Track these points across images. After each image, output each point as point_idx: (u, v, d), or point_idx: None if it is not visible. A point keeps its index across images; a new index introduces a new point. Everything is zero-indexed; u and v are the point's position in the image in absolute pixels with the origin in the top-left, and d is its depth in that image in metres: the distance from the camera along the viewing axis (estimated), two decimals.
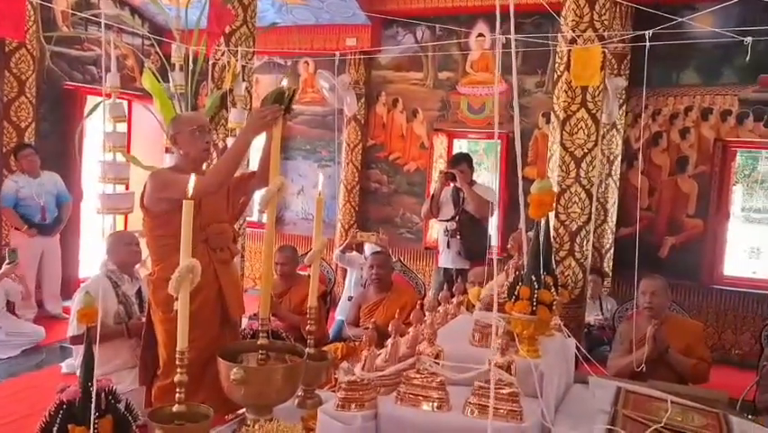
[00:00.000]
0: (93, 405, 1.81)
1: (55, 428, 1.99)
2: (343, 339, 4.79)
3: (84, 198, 7.08)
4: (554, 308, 2.03)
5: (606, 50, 4.39)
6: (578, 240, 4.41)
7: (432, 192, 5.67)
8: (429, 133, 7.50)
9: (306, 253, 2.36)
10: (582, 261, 4.45)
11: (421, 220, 7.32)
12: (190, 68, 4.79)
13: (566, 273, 4.38)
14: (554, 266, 3.00)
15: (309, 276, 2.27)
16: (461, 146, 7.68)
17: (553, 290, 2.03)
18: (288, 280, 4.85)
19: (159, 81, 4.88)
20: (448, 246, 5.34)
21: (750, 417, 2.87)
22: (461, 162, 5.32)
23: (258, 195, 2.93)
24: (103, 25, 3.58)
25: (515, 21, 2.45)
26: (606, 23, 4.36)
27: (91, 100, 7.03)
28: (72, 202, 6.59)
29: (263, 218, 2.71)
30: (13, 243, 5.91)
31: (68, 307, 6.24)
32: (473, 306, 2.57)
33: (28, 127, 6.47)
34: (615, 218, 6.48)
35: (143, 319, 3.56)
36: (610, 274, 6.49)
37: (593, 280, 5.81)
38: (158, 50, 5.85)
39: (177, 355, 1.71)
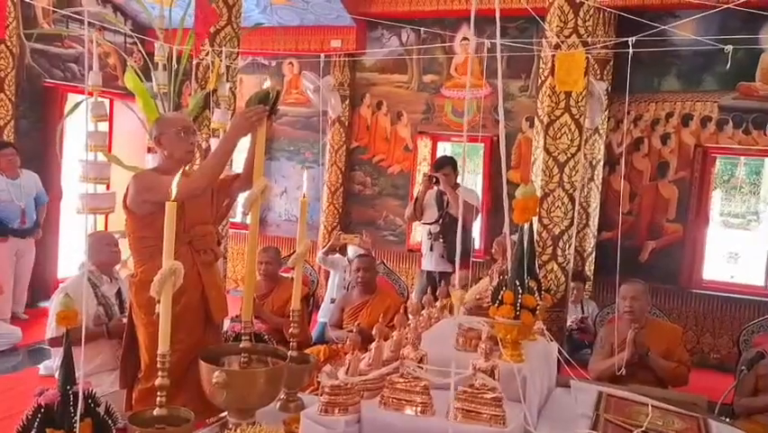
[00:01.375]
0: (79, 408, 1.79)
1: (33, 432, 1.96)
2: (326, 342, 4.78)
3: (63, 198, 6.99)
4: (538, 312, 2.04)
5: (589, 56, 4.44)
6: (560, 244, 4.44)
7: (415, 195, 5.68)
8: (413, 135, 7.52)
9: (290, 255, 2.35)
10: (565, 265, 4.48)
11: (404, 223, 7.33)
12: (173, 67, 4.76)
13: (549, 277, 4.41)
14: (537, 271, 3.02)
15: (292, 278, 2.27)
16: (445, 149, 7.71)
17: (536, 294, 2.04)
18: (270, 282, 4.83)
19: (141, 80, 4.84)
20: (431, 249, 5.35)
21: (728, 420, 2.90)
22: (446, 166, 5.33)
23: (242, 196, 2.91)
24: (86, 23, 3.53)
25: (500, 25, 2.47)
26: (590, 29, 4.40)
27: (72, 98, 6.96)
28: (51, 202, 6.49)
29: (246, 220, 2.70)
30: None
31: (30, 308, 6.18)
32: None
33: (6, 125, 6.37)
34: (596, 222, 6.54)
35: (124, 320, 3.52)
36: (591, 278, 6.54)
37: (576, 286, 5.86)
38: (140, 48, 5.81)
39: (158, 358, 1.69)
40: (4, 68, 6.30)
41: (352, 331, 3.90)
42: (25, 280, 6.25)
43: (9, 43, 6.28)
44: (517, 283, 1.98)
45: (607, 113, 6.42)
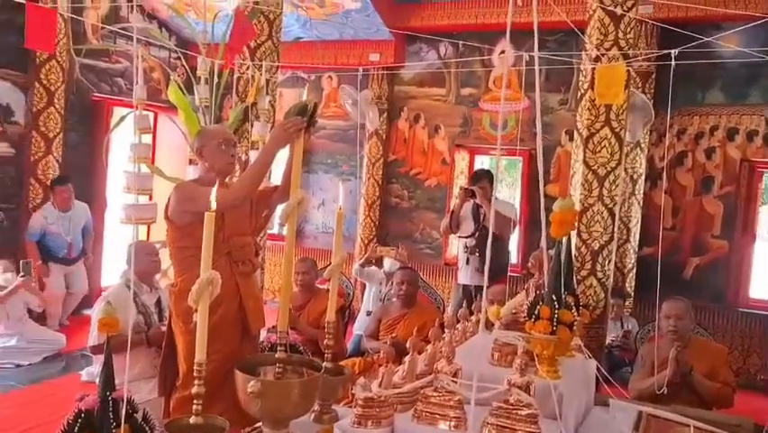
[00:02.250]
0: (123, 413, 1.83)
1: None
2: (361, 354, 4.77)
3: (108, 208, 7.18)
4: (575, 328, 2.01)
5: (630, 69, 4.37)
6: (600, 259, 4.36)
7: (452, 208, 5.66)
8: (450, 148, 7.51)
9: (326, 267, 2.36)
10: (604, 280, 4.40)
11: (441, 236, 7.30)
12: (215, 81, 4.85)
13: (587, 293, 4.33)
14: (575, 286, 2.96)
15: (328, 290, 2.27)
16: (482, 162, 7.68)
17: (573, 310, 2.01)
18: (307, 293, 4.86)
19: (184, 94, 4.94)
20: (467, 263, 5.33)
21: None
22: (482, 179, 5.31)
23: (279, 208, 2.94)
24: (135, 39, 3.64)
25: (539, 38, 2.46)
26: (631, 41, 4.34)
27: (118, 111, 7.15)
28: (96, 212, 6.70)
29: (284, 231, 2.73)
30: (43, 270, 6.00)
31: (74, 316, 6.39)
32: (492, 324, 2.55)
33: (56, 137, 6.58)
34: (637, 238, 6.41)
35: (163, 329, 3.58)
36: (632, 294, 6.40)
37: (615, 303, 5.74)
38: (184, 63, 5.94)
39: (195, 367, 1.70)
40: (54, 82, 6.52)
41: (386, 343, 3.89)
42: (78, 293, 6.43)
43: (59, 59, 6.50)
44: (554, 298, 1.95)
45: (648, 126, 6.31)
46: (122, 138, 5.90)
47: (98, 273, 7.19)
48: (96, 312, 4.17)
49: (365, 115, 7.40)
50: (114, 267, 6.95)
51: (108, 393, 1.97)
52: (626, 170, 5.93)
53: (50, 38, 3.86)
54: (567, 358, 2.18)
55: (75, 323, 6.29)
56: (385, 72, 7.60)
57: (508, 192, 7.99)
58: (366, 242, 7.62)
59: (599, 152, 4.34)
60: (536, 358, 1.97)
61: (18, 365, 5.13)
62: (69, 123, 6.86)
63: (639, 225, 6.40)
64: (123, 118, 4.96)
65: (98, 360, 4.29)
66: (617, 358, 5.56)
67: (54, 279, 6.05)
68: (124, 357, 3.33)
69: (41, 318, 5.80)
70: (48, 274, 5.79)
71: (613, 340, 5.68)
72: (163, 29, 7.90)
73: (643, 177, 6.37)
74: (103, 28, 7.16)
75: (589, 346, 3.03)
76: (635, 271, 6.42)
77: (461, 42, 7.19)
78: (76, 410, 2.02)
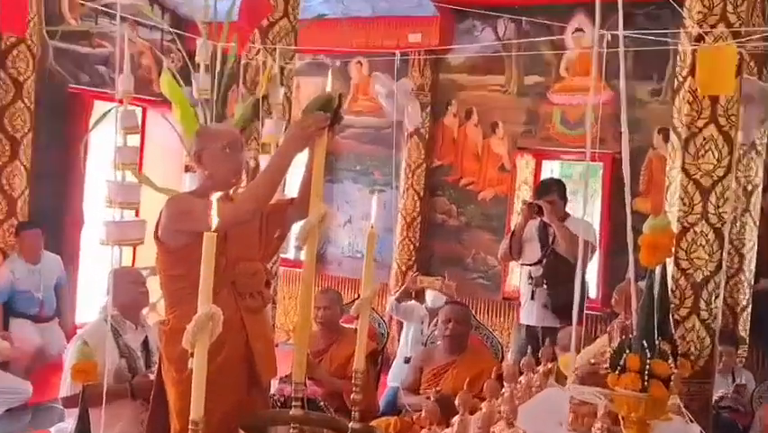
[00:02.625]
0: None
1: None
2: (398, 411, 4.77)
3: (85, 226, 7.32)
4: (672, 383, 1.99)
5: (743, 51, 4.32)
6: (704, 295, 4.29)
7: (513, 228, 5.65)
8: (511, 152, 7.50)
9: (353, 301, 2.37)
10: (710, 322, 4.33)
11: (499, 263, 7.27)
12: (217, 69, 4.94)
13: (688, 338, 4.27)
14: (673, 329, 2.93)
15: (356, 330, 2.28)
16: (551, 170, 7.65)
17: (670, 359, 1.99)
18: (329, 334, 4.87)
19: (180, 85, 5.04)
20: (532, 297, 5.31)
21: None
22: (551, 191, 5.31)
23: (296, 227, 2.97)
24: (119, 18, 3.73)
25: (624, 12, 2.45)
26: (742, 15, 4.29)
27: (99, 106, 7.32)
28: (71, 230, 6.82)
29: (301, 256, 2.75)
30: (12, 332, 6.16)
31: None
32: (565, 377, 2.53)
33: (24, 138, 6.73)
34: (753, 267, 6.30)
35: (151, 377, 3.63)
36: (746, 340, 6.28)
37: (725, 350, 5.63)
38: (179, 46, 6.06)
39: (190, 427, 1.73)
40: (23, 71, 6.66)
41: (429, 398, 3.88)
42: (55, 355, 6.55)
43: (29, 43, 6.64)
44: (645, 345, 1.94)
45: (766, 124, 6.22)
46: (103, 139, 6.05)
47: (72, 306, 7.32)
48: (69, 355, 4.24)
49: (403, 109, 7.44)
50: (90, 299, 7.08)
51: None
52: (737, 179, 5.84)
53: (20, 18, 3.97)
54: (662, 422, 2.15)
55: (44, 368, 6.42)
56: (428, 57, 7.64)
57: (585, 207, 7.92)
58: (404, 269, 7.64)
59: (703, 156, 4.29)
60: (622, 422, 1.95)
61: None
62: (40, 120, 7.03)
63: (755, 250, 6.29)
64: (104, 115, 5.07)
65: (72, 414, 4.36)
66: (728, 421, 5.45)
67: (26, 334, 6.22)
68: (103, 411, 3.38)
69: (3, 364, 5.92)
70: (10, 342, 5.88)
71: (722, 398, 5.58)
72: (155, 5, 8.09)
73: (760, 188, 6.27)
74: (82, 5, 7.35)
75: (689, 407, 2.98)
76: (749, 309, 6.30)
77: (524, 19, 7.20)
78: None
